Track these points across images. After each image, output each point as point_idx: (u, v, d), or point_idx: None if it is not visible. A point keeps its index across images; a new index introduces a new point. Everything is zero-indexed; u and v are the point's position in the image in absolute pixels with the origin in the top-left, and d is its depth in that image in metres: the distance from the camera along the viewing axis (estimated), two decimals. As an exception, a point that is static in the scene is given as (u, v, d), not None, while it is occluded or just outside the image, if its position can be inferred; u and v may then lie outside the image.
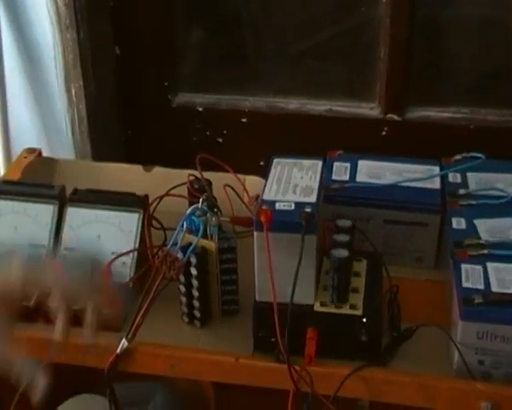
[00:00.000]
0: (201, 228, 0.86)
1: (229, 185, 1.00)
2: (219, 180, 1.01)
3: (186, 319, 0.90)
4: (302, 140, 1.30)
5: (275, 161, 0.91)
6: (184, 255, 0.84)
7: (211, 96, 1.35)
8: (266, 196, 0.84)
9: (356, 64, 1.32)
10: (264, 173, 0.94)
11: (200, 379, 1.21)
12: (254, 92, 1.34)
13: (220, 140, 1.35)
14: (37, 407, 1.12)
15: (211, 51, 1.37)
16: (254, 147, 1.33)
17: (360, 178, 1.00)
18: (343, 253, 0.81)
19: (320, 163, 0.90)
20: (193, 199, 0.97)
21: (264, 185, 0.86)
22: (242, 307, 0.91)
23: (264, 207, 0.81)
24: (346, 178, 1.00)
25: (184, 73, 1.36)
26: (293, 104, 1.32)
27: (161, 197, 1.00)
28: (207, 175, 0.99)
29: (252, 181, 1.04)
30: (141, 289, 0.92)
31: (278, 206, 0.81)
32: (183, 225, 0.87)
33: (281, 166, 0.89)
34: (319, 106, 1.31)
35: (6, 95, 1.26)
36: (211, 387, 1.19)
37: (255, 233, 0.80)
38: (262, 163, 1.34)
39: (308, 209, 0.80)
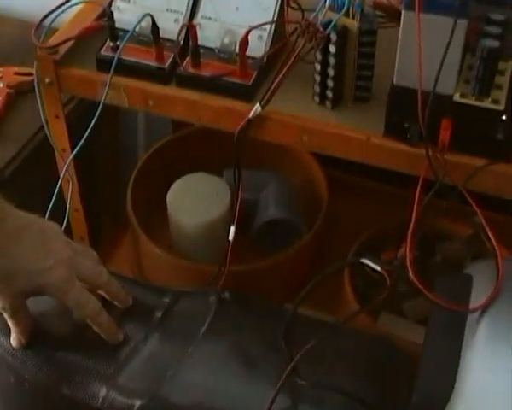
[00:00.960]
0: (345, 5, 0.84)
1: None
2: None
3: (317, 100, 0.89)
4: None
5: None
6: (326, 30, 0.83)
7: None
8: (417, -23, 0.80)
9: None
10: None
11: (317, 174, 1.24)
12: None
13: None
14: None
15: None
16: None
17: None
18: (493, 43, 0.77)
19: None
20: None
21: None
22: (374, 96, 0.89)
23: (415, -15, 0.77)
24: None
25: None
26: None
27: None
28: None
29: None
30: (275, 66, 0.93)
31: (430, -14, 0.78)
32: (325, 1, 0.84)
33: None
34: None
35: None
36: (325, 186, 1.21)
37: (403, 12, 0.77)
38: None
39: (462, -7, 0.76)
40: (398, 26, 0.80)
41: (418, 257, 1.10)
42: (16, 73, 1.23)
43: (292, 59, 0.83)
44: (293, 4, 0.96)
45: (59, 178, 1.01)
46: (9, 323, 0.80)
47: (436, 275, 0.81)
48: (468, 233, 1.13)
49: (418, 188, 0.77)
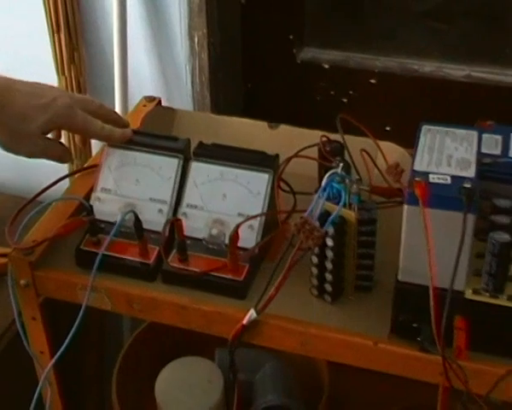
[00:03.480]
0: (343, 196, 0.78)
1: (365, 151, 0.92)
2: (351, 144, 0.93)
3: (315, 293, 0.83)
4: (435, 107, 1.20)
5: (424, 127, 0.82)
6: (323, 224, 0.77)
7: (338, 53, 1.26)
8: (418, 167, 0.75)
9: (499, 24, 1.20)
10: (394, 139, 0.86)
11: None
12: (386, 52, 1.24)
13: (345, 100, 1.26)
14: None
15: (341, 5, 1.28)
16: (382, 111, 1.24)
17: (514, 152, 0.90)
18: (504, 236, 0.72)
19: (476, 134, 0.81)
20: (324, 162, 0.90)
21: (415, 154, 0.77)
22: (376, 284, 0.83)
23: (416, 178, 0.72)
24: (498, 152, 0.89)
25: (311, 27, 1.28)
26: (428, 67, 1.22)
27: (290, 158, 0.93)
28: (336, 137, 0.92)
29: (386, 147, 0.95)
30: (266, 255, 0.87)
31: (432, 178, 0.73)
32: (323, 192, 0.79)
33: (431, 134, 0.81)
34: (457, 71, 1.20)
35: (127, 41, 1.21)
36: (325, 366, 1.13)
37: (406, 207, 0.72)
38: (388, 128, 1.26)
39: (468, 185, 0.71)
40: (398, 204, 0.75)
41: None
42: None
43: (286, 267, 0.76)
44: (283, 187, 0.91)
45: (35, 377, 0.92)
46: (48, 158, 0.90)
47: None
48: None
49: (439, 400, 0.70)
